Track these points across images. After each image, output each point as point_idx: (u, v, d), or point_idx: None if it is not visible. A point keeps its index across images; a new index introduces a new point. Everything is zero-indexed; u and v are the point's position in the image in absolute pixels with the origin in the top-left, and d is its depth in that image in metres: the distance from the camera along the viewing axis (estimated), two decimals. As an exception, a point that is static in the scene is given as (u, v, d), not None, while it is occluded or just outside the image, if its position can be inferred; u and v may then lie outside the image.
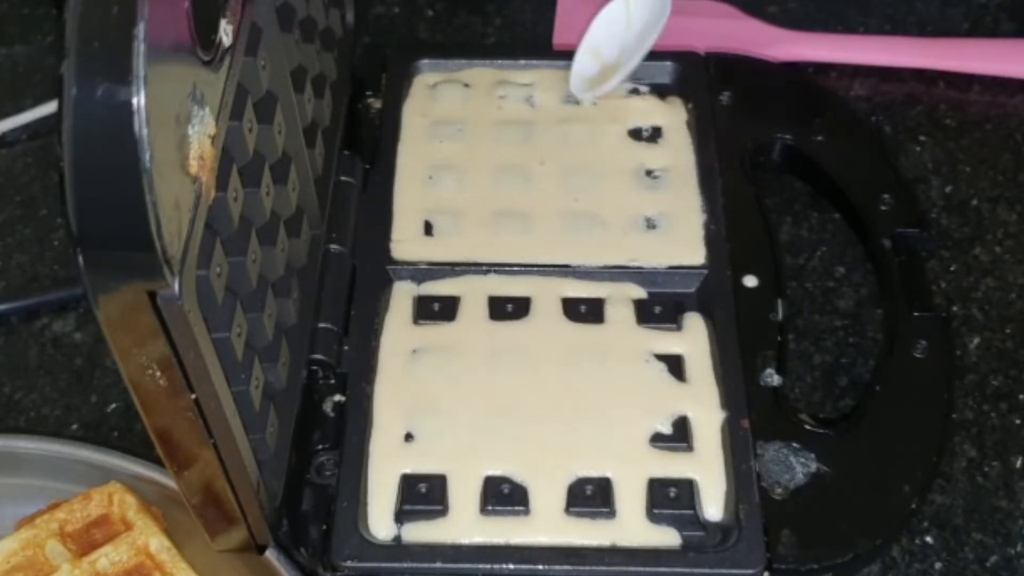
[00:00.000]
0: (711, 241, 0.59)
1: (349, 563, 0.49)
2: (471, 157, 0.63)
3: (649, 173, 0.62)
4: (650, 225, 0.60)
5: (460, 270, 0.59)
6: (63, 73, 0.33)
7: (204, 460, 0.43)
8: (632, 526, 0.50)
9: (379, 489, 0.51)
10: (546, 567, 0.49)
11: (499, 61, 0.68)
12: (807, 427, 0.54)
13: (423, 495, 0.51)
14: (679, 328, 0.57)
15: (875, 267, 0.61)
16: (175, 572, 0.49)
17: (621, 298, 0.58)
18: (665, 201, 0.61)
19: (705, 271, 0.58)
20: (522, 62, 0.67)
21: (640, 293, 0.58)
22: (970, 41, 0.71)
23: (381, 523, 0.51)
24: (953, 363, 0.57)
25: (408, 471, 0.52)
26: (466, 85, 0.66)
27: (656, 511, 0.51)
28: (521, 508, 0.51)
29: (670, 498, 0.51)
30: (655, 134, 0.64)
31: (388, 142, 0.64)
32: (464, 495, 0.51)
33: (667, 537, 0.50)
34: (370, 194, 0.62)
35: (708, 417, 0.53)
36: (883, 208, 0.61)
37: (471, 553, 0.50)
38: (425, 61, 0.68)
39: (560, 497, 0.51)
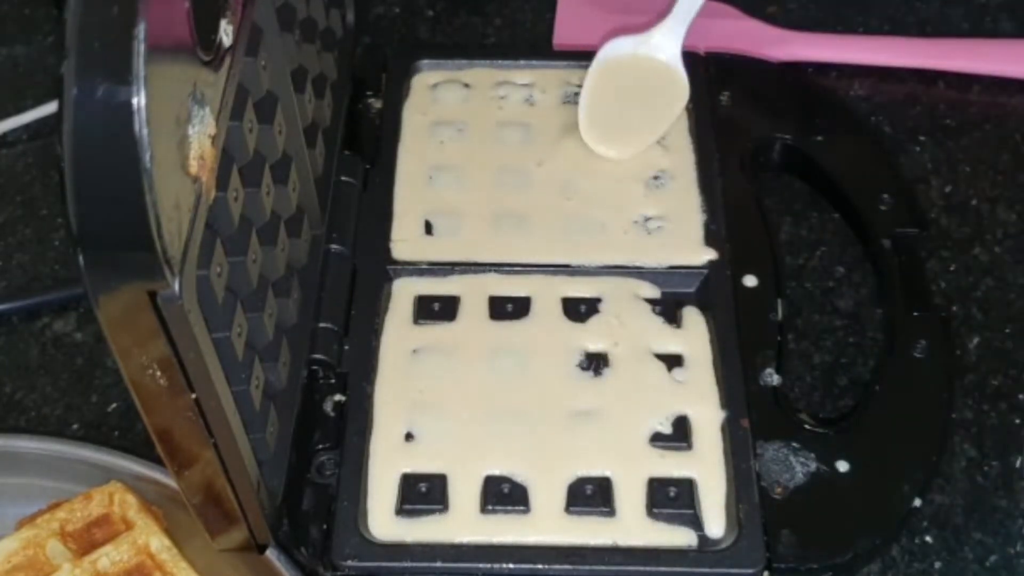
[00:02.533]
0: (711, 241, 0.59)
1: (349, 562, 0.49)
2: (471, 157, 0.63)
3: (649, 173, 0.62)
4: (650, 225, 0.60)
5: (460, 270, 0.59)
6: (63, 73, 0.33)
7: (204, 460, 0.43)
8: (632, 525, 0.50)
9: (379, 488, 0.51)
10: (546, 566, 0.49)
11: (499, 61, 0.68)
12: (807, 427, 0.54)
13: (423, 494, 0.51)
14: (679, 328, 0.57)
15: (875, 267, 0.61)
16: (176, 571, 0.49)
17: (621, 298, 0.58)
18: (665, 201, 0.61)
19: (705, 271, 0.58)
20: (522, 62, 0.67)
21: (640, 293, 0.58)
22: (970, 41, 0.71)
23: (381, 522, 0.51)
24: (953, 363, 0.57)
25: (408, 470, 0.52)
26: (466, 85, 0.66)
27: (656, 510, 0.51)
28: (521, 507, 0.51)
29: (670, 497, 0.51)
30: (655, 134, 0.64)
31: (388, 142, 0.64)
32: (464, 494, 0.51)
33: (667, 536, 0.50)
34: (370, 194, 0.62)
35: (708, 416, 0.53)
36: (883, 208, 0.61)
37: (471, 552, 0.50)
38: (425, 61, 0.68)
39: (560, 496, 0.51)
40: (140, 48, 0.33)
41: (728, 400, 0.54)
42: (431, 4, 0.75)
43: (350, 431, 0.53)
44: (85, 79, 0.33)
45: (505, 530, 0.50)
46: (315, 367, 0.55)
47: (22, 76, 0.72)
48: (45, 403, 0.58)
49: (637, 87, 0.63)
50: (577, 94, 0.66)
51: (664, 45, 0.63)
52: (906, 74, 0.70)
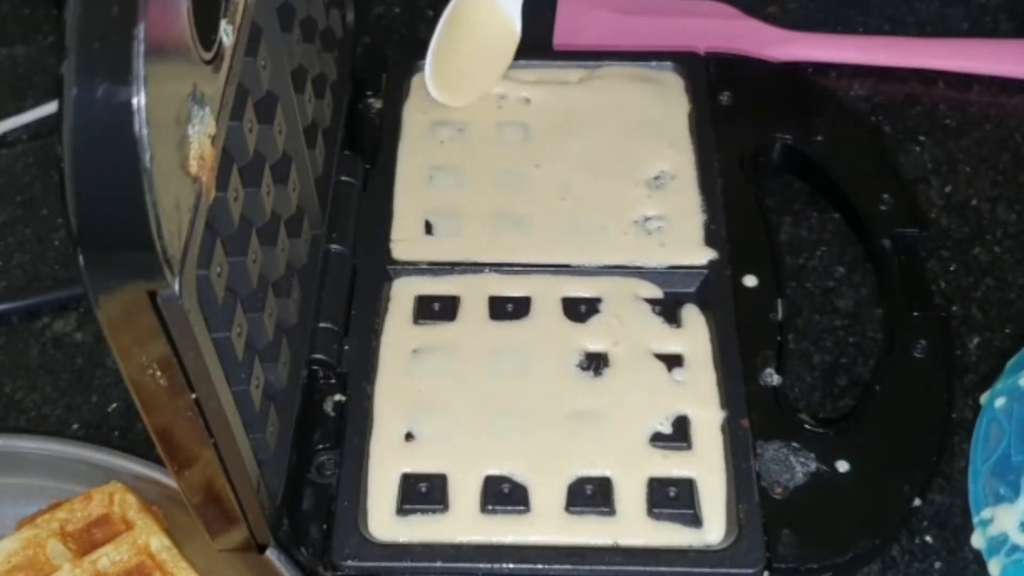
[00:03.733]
0: (711, 241, 0.59)
1: (349, 562, 0.49)
2: (471, 157, 0.63)
3: (649, 173, 0.62)
4: (650, 225, 0.60)
5: (460, 270, 0.59)
6: (63, 73, 0.33)
7: (204, 460, 0.43)
8: (632, 525, 0.50)
9: (379, 488, 0.51)
10: (546, 566, 0.49)
11: (499, 61, 0.68)
12: (807, 427, 0.54)
13: (423, 494, 0.51)
14: (679, 327, 0.57)
15: (875, 267, 0.61)
16: (176, 571, 0.49)
17: (621, 298, 0.58)
18: (665, 201, 0.61)
19: (705, 271, 0.58)
20: (522, 62, 0.67)
21: (640, 293, 0.58)
22: (970, 41, 0.71)
23: (381, 522, 0.51)
24: (953, 363, 0.57)
25: (408, 470, 0.52)
26: (466, 85, 0.67)
27: (656, 510, 0.51)
28: (521, 507, 0.51)
29: (670, 497, 0.51)
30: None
31: (388, 142, 0.64)
32: (464, 494, 0.51)
33: (667, 536, 0.50)
34: (370, 194, 0.62)
35: (708, 416, 0.53)
36: (883, 208, 0.61)
37: (471, 552, 0.50)
38: (425, 61, 0.68)
39: (560, 496, 0.51)
40: (140, 48, 0.33)
41: (728, 400, 0.54)
42: (431, 4, 0.75)
43: (350, 431, 0.53)
44: (85, 79, 0.33)
45: (505, 530, 0.50)
46: (315, 367, 0.55)
47: (22, 76, 0.72)
48: (45, 403, 0.58)
49: (479, 31, 0.64)
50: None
51: None
52: (906, 74, 0.70)
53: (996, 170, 0.66)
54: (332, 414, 0.54)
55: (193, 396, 0.40)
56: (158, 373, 0.39)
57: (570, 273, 0.59)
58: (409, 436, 0.53)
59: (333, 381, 0.55)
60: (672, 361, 0.55)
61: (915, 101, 0.69)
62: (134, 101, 0.33)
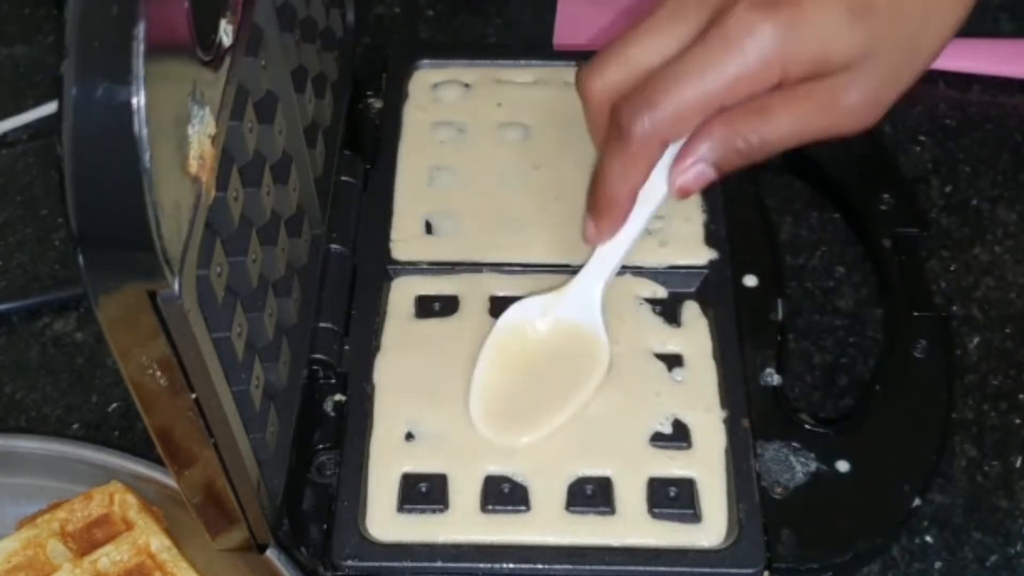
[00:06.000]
0: (711, 241, 0.59)
1: (350, 562, 0.49)
2: (471, 157, 0.63)
3: (649, 173, 0.62)
4: (650, 225, 0.60)
5: (460, 269, 0.59)
6: (63, 73, 0.33)
7: (204, 460, 0.43)
8: (632, 525, 0.50)
9: (380, 488, 0.51)
10: (546, 566, 0.49)
11: (499, 61, 0.68)
12: (807, 427, 0.54)
13: (423, 494, 0.51)
14: (679, 327, 0.57)
15: (875, 267, 0.61)
16: (176, 571, 0.49)
17: (621, 298, 0.57)
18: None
19: (705, 271, 0.58)
20: (522, 62, 0.67)
21: (640, 292, 0.58)
22: (970, 41, 0.71)
23: (382, 522, 0.51)
24: (953, 363, 0.57)
25: (408, 470, 0.52)
26: (466, 85, 0.66)
27: (656, 510, 0.51)
28: (521, 507, 0.51)
29: (670, 497, 0.51)
30: (655, 134, 0.64)
31: (388, 142, 0.64)
32: (464, 494, 0.51)
33: (667, 536, 0.50)
34: (371, 194, 0.62)
35: (708, 416, 0.53)
36: (883, 208, 0.61)
37: (471, 552, 0.50)
38: (425, 61, 0.68)
39: (560, 496, 0.51)
40: (140, 48, 0.33)
41: (728, 400, 0.54)
42: (431, 4, 0.75)
43: (350, 431, 0.53)
44: (85, 79, 0.33)
45: (505, 530, 0.50)
46: (315, 367, 0.55)
47: (22, 76, 0.72)
48: (45, 403, 0.58)
49: (546, 358, 0.54)
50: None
51: (580, 303, 0.54)
52: (906, 74, 0.70)
53: (996, 170, 0.66)
54: (332, 414, 0.54)
55: (193, 396, 0.40)
56: (158, 373, 0.39)
57: (570, 273, 0.59)
58: (409, 436, 0.53)
59: (333, 381, 0.55)
60: (672, 361, 0.55)
61: (915, 101, 0.69)
62: (134, 101, 0.33)
